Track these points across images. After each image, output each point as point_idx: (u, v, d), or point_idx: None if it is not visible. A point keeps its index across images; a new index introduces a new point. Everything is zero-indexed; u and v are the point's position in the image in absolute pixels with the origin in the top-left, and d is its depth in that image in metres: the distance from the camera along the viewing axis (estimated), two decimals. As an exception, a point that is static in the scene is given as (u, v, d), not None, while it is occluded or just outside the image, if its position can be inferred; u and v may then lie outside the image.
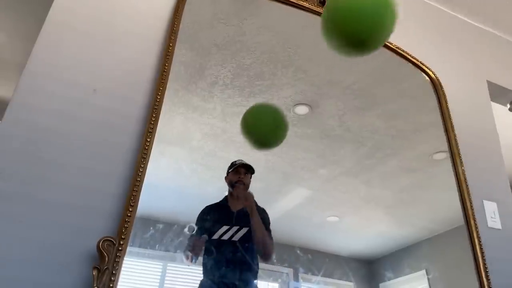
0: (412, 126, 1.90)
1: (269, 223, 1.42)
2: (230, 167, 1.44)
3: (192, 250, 1.29)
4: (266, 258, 1.39)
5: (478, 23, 2.58)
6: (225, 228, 1.34)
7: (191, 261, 1.29)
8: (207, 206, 1.37)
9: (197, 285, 1.26)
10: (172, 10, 1.59)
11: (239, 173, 1.44)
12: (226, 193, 1.43)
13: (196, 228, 1.30)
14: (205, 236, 1.32)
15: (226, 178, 1.43)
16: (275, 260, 1.38)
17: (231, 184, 1.43)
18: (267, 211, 1.43)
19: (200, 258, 1.30)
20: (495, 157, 2.07)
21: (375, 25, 1.07)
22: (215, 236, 1.33)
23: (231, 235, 1.34)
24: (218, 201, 1.41)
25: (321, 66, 1.82)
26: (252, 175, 1.45)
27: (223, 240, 1.33)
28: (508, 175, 2.07)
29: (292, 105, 1.67)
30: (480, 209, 1.82)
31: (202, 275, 1.28)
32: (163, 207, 1.34)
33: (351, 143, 1.73)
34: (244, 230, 1.36)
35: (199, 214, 1.35)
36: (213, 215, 1.38)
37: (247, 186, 1.44)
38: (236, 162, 1.45)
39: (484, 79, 2.34)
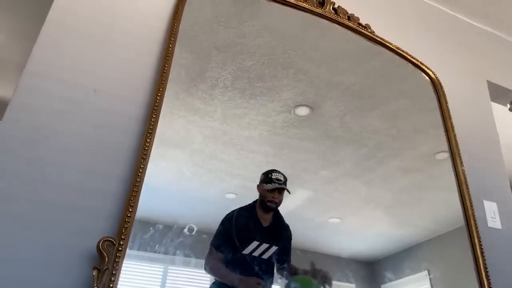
0: (412, 126, 1.90)
1: (291, 242, 1.40)
2: (265, 180, 1.40)
3: (213, 272, 1.26)
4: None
5: (477, 23, 2.58)
6: (256, 243, 1.30)
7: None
8: (235, 212, 1.34)
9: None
10: (171, 11, 1.59)
11: (274, 193, 1.40)
12: (228, 196, 1.42)
13: (195, 228, 1.29)
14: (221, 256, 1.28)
15: (258, 187, 1.40)
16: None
17: (262, 200, 1.38)
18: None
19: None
20: (495, 157, 2.07)
21: None
22: (246, 251, 1.29)
23: (261, 252, 1.30)
24: (243, 205, 1.38)
25: (322, 67, 1.82)
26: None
27: (254, 256, 1.29)
28: (508, 175, 2.07)
29: (293, 107, 1.67)
30: (480, 209, 1.82)
31: (204, 277, 1.26)
32: (164, 210, 1.33)
33: (352, 144, 1.73)
34: (274, 249, 1.32)
35: (227, 220, 1.31)
36: (245, 225, 1.34)
37: (279, 204, 1.40)
38: (273, 177, 1.41)
39: (484, 79, 2.34)
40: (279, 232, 1.40)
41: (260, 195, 1.39)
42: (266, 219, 1.39)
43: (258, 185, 1.40)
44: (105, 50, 1.41)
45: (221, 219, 1.33)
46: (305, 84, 1.75)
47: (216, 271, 1.26)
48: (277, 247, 1.33)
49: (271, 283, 1.32)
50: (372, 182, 1.69)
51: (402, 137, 1.86)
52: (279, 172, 1.43)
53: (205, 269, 1.25)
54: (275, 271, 1.33)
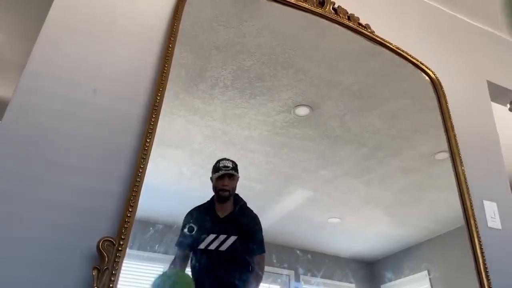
0: (412, 126, 1.90)
1: (257, 230, 1.36)
2: (214, 170, 1.38)
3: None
4: None
5: (478, 23, 2.58)
6: (212, 236, 1.28)
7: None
8: (193, 209, 1.32)
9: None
10: (171, 10, 1.59)
11: (223, 179, 1.38)
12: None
13: (194, 227, 1.28)
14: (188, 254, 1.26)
15: (211, 179, 1.37)
16: (275, 261, 1.37)
17: (215, 190, 1.36)
18: (268, 212, 1.42)
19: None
20: (495, 157, 2.07)
21: None
22: (202, 246, 1.26)
23: (218, 244, 1.27)
24: (204, 202, 1.35)
25: (321, 67, 1.82)
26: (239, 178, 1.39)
27: (210, 250, 1.26)
28: (508, 175, 2.07)
29: (293, 107, 1.67)
30: (480, 209, 1.82)
31: None
32: (164, 210, 1.33)
33: (352, 144, 1.73)
34: (232, 239, 1.29)
35: (186, 217, 1.29)
36: (200, 220, 1.31)
37: (232, 191, 1.38)
38: (220, 165, 1.39)
39: (484, 79, 2.34)
40: (238, 221, 1.37)
41: (213, 187, 1.37)
42: (223, 210, 1.36)
43: (210, 178, 1.38)
44: (105, 50, 1.41)
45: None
46: (305, 84, 1.75)
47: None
48: (235, 237, 1.30)
49: (244, 275, 1.31)
50: (372, 182, 1.69)
51: (402, 137, 1.86)
52: (227, 160, 1.41)
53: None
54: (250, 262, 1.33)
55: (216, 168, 1.38)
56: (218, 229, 1.31)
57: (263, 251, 1.36)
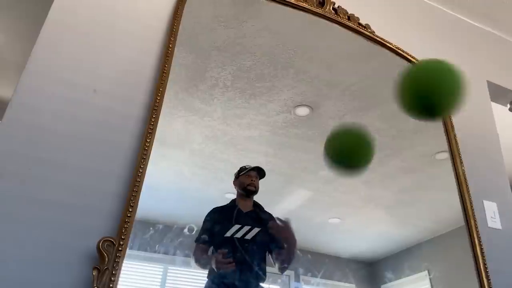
0: (412, 126, 1.89)
1: None
2: (240, 171, 1.44)
3: (199, 263, 1.30)
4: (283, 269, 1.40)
5: (478, 23, 2.58)
6: (237, 226, 1.34)
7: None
8: (215, 208, 1.37)
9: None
10: (172, 11, 1.59)
11: (251, 176, 1.43)
12: (227, 196, 1.42)
13: (195, 229, 1.29)
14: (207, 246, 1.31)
15: (234, 182, 1.43)
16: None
17: (243, 187, 1.42)
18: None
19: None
20: (495, 157, 2.07)
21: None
22: (228, 234, 1.33)
23: (244, 233, 1.33)
24: (224, 204, 1.40)
25: (321, 67, 1.82)
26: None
27: (236, 237, 1.32)
28: (508, 175, 2.07)
29: (293, 107, 1.67)
30: (480, 209, 1.82)
31: (204, 277, 1.27)
32: (164, 210, 1.34)
33: (352, 144, 1.73)
34: (256, 230, 1.35)
35: (208, 215, 1.33)
36: (223, 215, 1.37)
37: (257, 189, 1.43)
38: (246, 167, 1.45)
39: (484, 79, 2.34)
40: (259, 216, 1.42)
41: (239, 186, 1.43)
42: (246, 207, 1.42)
43: (234, 181, 1.43)
44: (105, 50, 1.41)
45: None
46: (305, 84, 1.75)
47: (198, 260, 1.30)
48: (259, 229, 1.36)
49: (262, 267, 1.34)
50: (372, 182, 1.69)
51: (402, 137, 1.86)
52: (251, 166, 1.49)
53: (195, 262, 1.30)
54: (271, 259, 1.37)
55: (241, 170, 1.44)
56: (242, 220, 1.37)
57: (282, 247, 1.42)
